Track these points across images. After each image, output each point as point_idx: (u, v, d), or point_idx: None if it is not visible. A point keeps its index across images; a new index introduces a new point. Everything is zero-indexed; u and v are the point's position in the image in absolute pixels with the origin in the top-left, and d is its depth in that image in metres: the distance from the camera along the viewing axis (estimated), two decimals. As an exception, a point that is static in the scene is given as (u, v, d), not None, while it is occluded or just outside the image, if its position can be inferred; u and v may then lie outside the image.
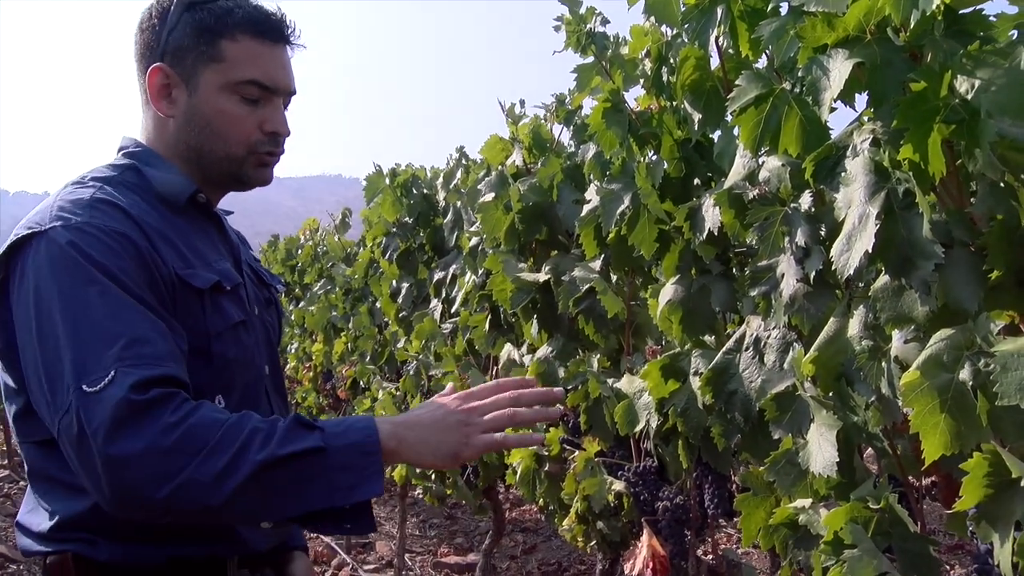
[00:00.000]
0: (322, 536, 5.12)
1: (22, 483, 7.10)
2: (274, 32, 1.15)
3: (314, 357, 4.75)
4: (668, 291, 1.62)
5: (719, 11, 1.33)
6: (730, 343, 1.48)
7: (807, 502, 1.30)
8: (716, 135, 1.54)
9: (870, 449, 1.46)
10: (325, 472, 0.97)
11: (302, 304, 5.24)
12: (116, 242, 1.01)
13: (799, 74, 1.19)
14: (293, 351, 5.36)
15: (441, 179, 3.21)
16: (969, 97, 1.04)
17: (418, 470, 2.86)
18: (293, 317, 5.35)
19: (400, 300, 3.30)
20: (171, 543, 1.05)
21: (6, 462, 7.71)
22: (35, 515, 1.05)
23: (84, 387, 0.93)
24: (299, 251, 5.75)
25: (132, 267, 1.01)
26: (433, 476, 2.83)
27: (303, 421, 1.00)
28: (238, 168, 1.16)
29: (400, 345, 3.36)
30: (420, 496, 5.76)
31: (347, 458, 0.98)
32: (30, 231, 1.01)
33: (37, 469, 1.04)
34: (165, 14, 1.13)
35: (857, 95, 1.18)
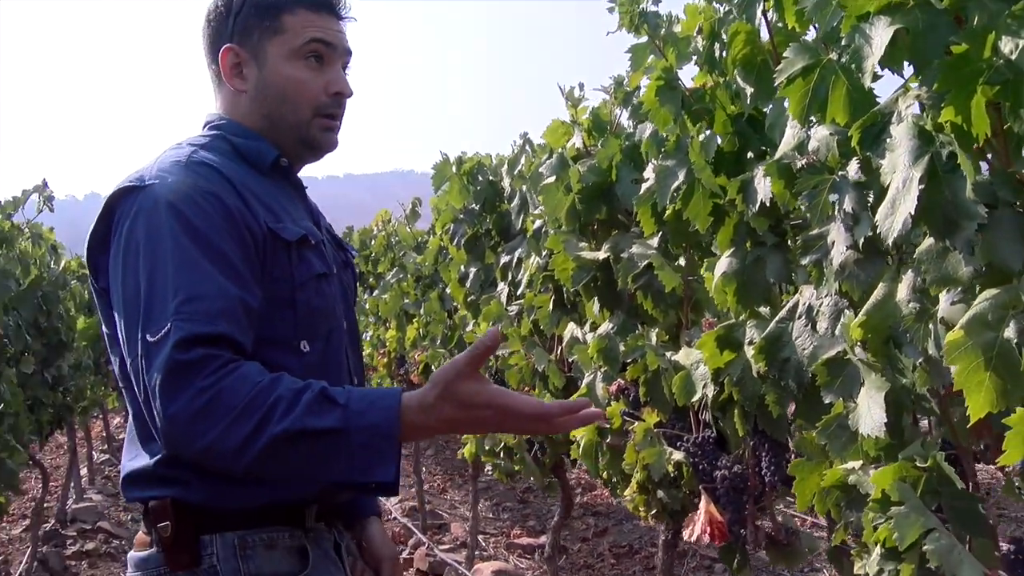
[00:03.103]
0: (399, 518, 5.28)
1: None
2: (327, 5, 1.27)
3: (388, 343, 4.90)
4: (723, 263, 1.66)
5: (764, -15, 1.35)
6: (783, 312, 1.51)
7: (857, 464, 1.33)
8: (768, 108, 1.56)
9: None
10: (343, 451, 1.03)
11: (376, 293, 5.41)
12: (206, 200, 1.11)
13: (843, 43, 1.21)
14: (368, 339, 5.53)
15: (506, 165, 3.28)
16: (1013, 58, 1.05)
17: (487, 447, 2.95)
18: (368, 306, 5.52)
19: (468, 284, 3.39)
20: (254, 489, 1.14)
21: (106, 447, 8.18)
22: (138, 459, 1.17)
23: (148, 336, 1.04)
24: (372, 241, 5.92)
25: (219, 223, 1.11)
26: (501, 453, 2.92)
27: (329, 395, 1.04)
28: (306, 131, 1.27)
29: (469, 328, 3.45)
30: (493, 480, 5.89)
31: (365, 439, 1.02)
32: (131, 185, 1.13)
33: (138, 413, 1.16)
34: (230, 1, 1.25)
35: (906, 62, 1.20)
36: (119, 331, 1.12)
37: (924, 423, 1.69)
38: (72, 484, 5.93)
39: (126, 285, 1.09)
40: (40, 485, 4.71)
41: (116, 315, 1.12)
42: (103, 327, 1.19)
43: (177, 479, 1.14)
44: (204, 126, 1.29)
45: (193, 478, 1.13)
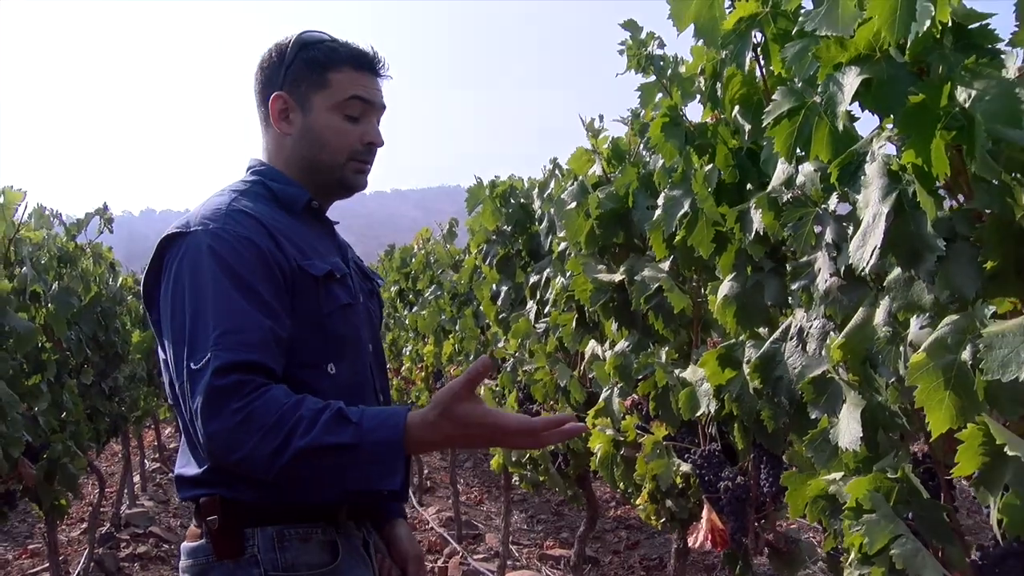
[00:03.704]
0: (435, 528, 5.42)
1: (171, 474, 7.81)
2: (369, 65, 1.44)
3: (425, 358, 5.07)
4: (725, 287, 1.77)
5: (753, 34, 1.48)
6: (777, 333, 1.62)
7: (839, 475, 1.43)
8: (765, 144, 1.68)
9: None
10: (357, 463, 1.18)
11: (415, 309, 5.59)
12: (242, 245, 1.27)
13: (819, 90, 1.33)
14: (407, 353, 5.71)
15: (536, 189, 3.43)
16: (967, 106, 1.16)
17: (513, 458, 3.08)
18: (407, 321, 5.70)
19: (499, 302, 3.54)
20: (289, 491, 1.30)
21: (157, 456, 8.49)
22: (188, 467, 1.33)
23: (192, 364, 1.20)
24: (412, 259, 6.11)
25: (253, 264, 1.26)
26: (528, 464, 3.04)
27: (344, 414, 1.19)
28: (340, 173, 1.43)
29: (500, 345, 3.59)
30: (529, 492, 6.00)
31: (375, 453, 1.17)
32: (178, 231, 1.30)
33: (187, 427, 1.32)
34: (283, 54, 1.42)
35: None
36: (169, 357, 1.28)
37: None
38: (125, 490, 6.21)
39: (174, 319, 1.25)
40: (97, 491, 4.96)
41: (166, 342, 1.28)
42: (159, 350, 1.36)
43: (222, 482, 1.30)
44: (247, 170, 1.45)
45: (236, 481, 1.29)
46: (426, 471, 7.22)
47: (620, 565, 4.64)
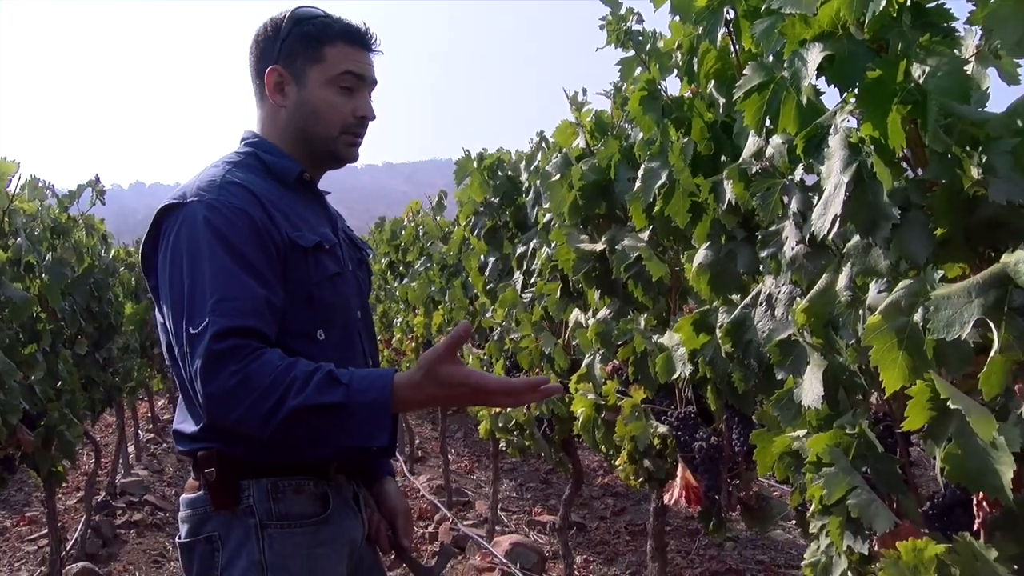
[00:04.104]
0: (426, 495, 5.53)
1: (165, 444, 7.90)
2: (362, 40, 1.49)
3: (415, 329, 5.14)
4: (700, 255, 1.84)
5: (726, 11, 1.54)
6: (747, 299, 1.70)
7: (802, 432, 1.51)
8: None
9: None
10: (347, 421, 1.24)
11: (405, 280, 5.65)
12: (237, 216, 1.33)
13: (786, 65, 1.39)
14: (398, 324, 5.78)
15: (523, 161, 3.48)
16: (921, 82, 1.22)
17: (500, 424, 3.16)
18: (398, 293, 5.76)
19: (487, 273, 3.60)
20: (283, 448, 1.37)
21: (151, 427, 8.57)
22: (186, 423, 1.40)
23: (190, 329, 1.26)
24: (403, 232, 6.16)
25: (247, 235, 1.33)
26: (514, 430, 3.13)
27: (334, 376, 1.25)
28: (333, 145, 1.49)
29: (488, 315, 3.67)
30: (519, 461, 6.11)
31: (364, 413, 1.24)
32: (175, 202, 1.36)
33: (184, 387, 1.39)
34: (278, 28, 1.47)
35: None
36: (167, 322, 1.34)
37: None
38: (120, 460, 6.29)
39: (172, 285, 1.31)
40: (92, 460, 5.04)
41: (164, 307, 1.35)
42: (157, 314, 1.42)
43: (219, 437, 1.37)
44: (241, 141, 1.51)
45: (232, 437, 1.36)
46: (417, 441, 7.33)
47: (607, 530, 4.76)
